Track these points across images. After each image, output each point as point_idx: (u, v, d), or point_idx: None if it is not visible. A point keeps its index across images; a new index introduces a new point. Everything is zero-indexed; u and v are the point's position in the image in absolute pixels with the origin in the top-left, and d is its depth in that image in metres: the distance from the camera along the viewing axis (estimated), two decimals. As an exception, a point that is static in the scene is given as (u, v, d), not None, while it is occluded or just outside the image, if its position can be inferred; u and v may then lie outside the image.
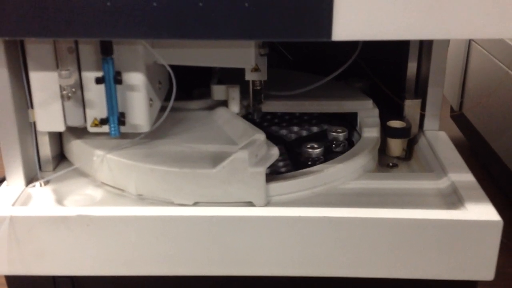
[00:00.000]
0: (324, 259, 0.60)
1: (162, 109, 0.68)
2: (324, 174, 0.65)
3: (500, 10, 0.51)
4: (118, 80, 0.60)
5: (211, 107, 0.76)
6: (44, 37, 0.53)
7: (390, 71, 0.83)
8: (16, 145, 0.63)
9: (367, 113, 0.76)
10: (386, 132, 0.75)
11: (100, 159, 0.65)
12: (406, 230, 0.59)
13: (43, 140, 0.68)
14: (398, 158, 0.76)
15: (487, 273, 0.60)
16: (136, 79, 0.62)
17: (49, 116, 0.63)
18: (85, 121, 0.64)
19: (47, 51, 0.61)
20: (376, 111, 0.77)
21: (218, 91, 0.75)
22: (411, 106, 0.78)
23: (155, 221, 0.59)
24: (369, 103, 0.78)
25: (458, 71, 1.12)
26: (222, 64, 0.67)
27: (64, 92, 0.61)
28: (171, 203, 0.62)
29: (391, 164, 0.74)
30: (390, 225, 0.58)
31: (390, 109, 0.80)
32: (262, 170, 0.60)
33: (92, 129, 0.64)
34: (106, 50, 0.59)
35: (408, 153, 0.77)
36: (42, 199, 0.64)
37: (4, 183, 0.65)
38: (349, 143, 0.74)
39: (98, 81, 0.60)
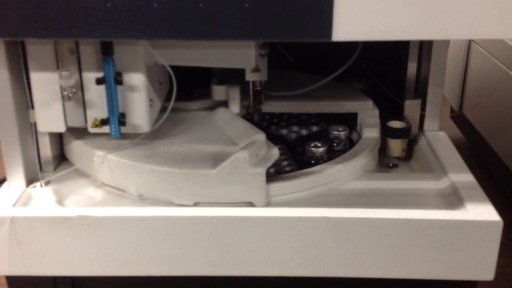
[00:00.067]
0: (324, 259, 0.60)
1: (163, 109, 0.68)
2: (324, 174, 0.65)
3: (500, 10, 0.51)
4: (118, 80, 0.60)
5: (212, 108, 0.76)
6: (44, 37, 0.53)
7: (390, 71, 0.83)
8: (17, 145, 0.63)
9: (367, 114, 0.76)
10: (386, 133, 0.75)
11: (101, 160, 0.65)
12: (406, 230, 0.59)
13: (43, 141, 0.68)
14: (398, 158, 0.76)
15: (487, 273, 0.60)
16: (136, 79, 0.62)
17: (50, 117, 0.63)
18: (86, 121, 0.64)
19: (48, 52, 0.61)
20: (376, 112, 0.77)
21: (218, 91, 0.75)
22: (411, 107, 0.78)
23: (156, 221, 0.59)
24: (369, 103, 0.78)
25: (458, 71, 1.12)
26: (222, 64, 0.67)
27: (65, 93, 0.61)
28: (172, 204, 0.62)
29: (391, 165, 0.74)
30: (390, 225, 0.59)
31: (390, 109, 0.80)
32: (262, 171, 0.61)
33: (92, 130, 0.64)
34: (106, 51, 0.59)
35: (408, 154, 0.77)
36: (43, 200, 0.64)
37: (5, 183, 0.65)
38: (350, 142, 0.74)
39: (99, 81, 0.60)
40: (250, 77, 0.72)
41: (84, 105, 0.63)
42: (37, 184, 0.66)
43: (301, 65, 0.91)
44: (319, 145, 0.69)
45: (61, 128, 0.64)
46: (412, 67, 0.78)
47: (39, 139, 0.67)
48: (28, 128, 0.65)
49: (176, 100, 0.65)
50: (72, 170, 0.68)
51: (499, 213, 0.59)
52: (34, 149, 0.67)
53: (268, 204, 0.62)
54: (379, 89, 0.83)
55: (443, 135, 0.78)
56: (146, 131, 0.65)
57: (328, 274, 0.61)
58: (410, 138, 0.77)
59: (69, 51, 0.61)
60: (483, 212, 0.59)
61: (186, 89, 0.78)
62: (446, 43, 0.76)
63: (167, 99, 0.69)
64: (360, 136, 0.73)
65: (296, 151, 0.73)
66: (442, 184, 0.67)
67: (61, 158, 0.72)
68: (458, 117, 1.14)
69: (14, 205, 0.62)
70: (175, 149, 0.66)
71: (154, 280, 0.62)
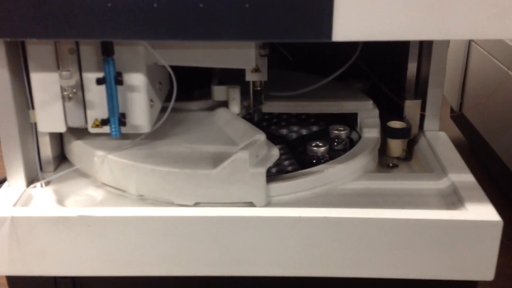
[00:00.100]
0: (324, 259, 0.60)
1: (163, 109, 0.68)
2: (324, 174, 0.65)
3: (500, 10, 0.51)
4: (119, 81, 0.60)
5: (212, 108, 0.76)
6: (45, 38, 0.53)
7: (390, 71, 0.83)
8: (17, 146, 0.63)
9: (367, 114, 0.76)
10: (386, 133, 0.75)
11: (101, 160, 0.65)
12: (406, 230, 0.59)
13: (44, 141, 0.68)
14: (398, 158, 0.76)
15: (487, 273, 0.60)
16: (136, 79, 0.62)
17: (50, 117, 0.64)
18: (86, 121, 0.64)
19: (48, 52, 0.61)
20: (376, 112, 0.77)
21: (219, 91, 0.75)
22: (411, 107, 0.78)
23: (156, 221, 0.59)
24: (369, 103, 0.78)
25: (458, 72, 1.12)
26: (222, 65, 0.67)
27: (65, 93, 0.61)
28: (172, 204, 0.62)
29: (391, 165, 0.74)
30: (390, 225, 0.59)
31: (390, 109, 0.80)
32: (262, 171, 0.61)
33: (93, 130, 0.64)
34: (107, 51, 0.59)
35: (408, 154, 0.77)
36: (43, 200, 0.64)
37: (5, 183, 0.65)
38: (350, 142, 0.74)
39: (99, 82, 0.60)
40: (250, 77, 0.72)
41: (84, 105, 0.63)
42: (38, 184, 0.66)
43: (301, 65, 0.91)
44: (320, 144, 0.69)
45: (62, 128, 0.64)
46: (412, 67, 0.78)
47: (40, 139, 0.67)
48: (29, 128, 0.65)
49: (176, 100, 0.65)
50: (72, 170, 0.68)
51: (499, 213, 0.59)
52: (34, 149, 0.67)
53: (268, 204, 0.62)
54: (379, 89, 0.83)
55: (443, 135, 0.78)
56: (146, 131, 0.65)
57: (328, 274, 0.61)
58: (410, 138, 0.77)
59: (69, 51, 0.61)
60: (483, 212, 0.59)
61: (186, 89, 0.78)
62: (446, 43, 0.76)
63: (167, 99, 0.69)
64: (360, 136, 0.73)
65: (297, 150, 0.73)
66: (442, 184, 0.67)
67: (62, 158, 0.72)
68: (458, 117, 1.14)
69: (14, 205, 0.62)
70: (175, 149, 0.66)
71: (154, 280, 0.62)
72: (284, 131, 0.78)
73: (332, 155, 0.69)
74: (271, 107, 0.79)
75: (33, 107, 0.63)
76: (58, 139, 0.71)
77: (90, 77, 0.61)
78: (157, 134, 0.68)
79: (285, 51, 0.92)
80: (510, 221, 0.68)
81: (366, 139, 0.71)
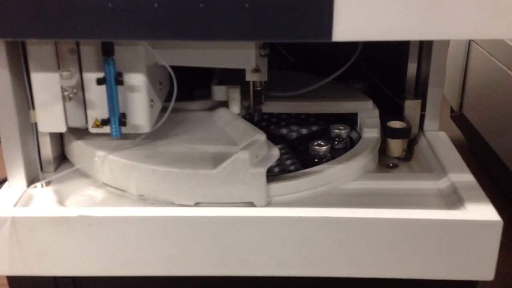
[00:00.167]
0: (324, 259, 0.60)
1: (163, 110, 0.68)
2: (324, 174, 0.65)
3: (500, 10, 0.51)
4: (119, 81, 0.60)
5: (212, 108, 0.76)
6: (45, 38, 0.53)
7: (390, 71, 0.83)
8: (18, 146, 0.64)
9: (367, 114, 0.76)
10: (386, 133, 0.75)
11: (101, 160, 0.65)
12: (406, 230, 0.59)
13: (44, 141, 0.68)
14: (398, 158, 0.76)
15: (487, 273, 0.60)
16: (137, 80, 0.62)
17: (50, 117, 0.64)
18: (86, 122, 0.64)
19: (49, 52, 0.61)
20: (376, 112, 0.77)
21: (219, 92, 0.75)
22: (411, 107, 0.78)
23: (156, 221, 0.59)
24: (369, 103, 0.78)
25: (458, 72, 1.12)
26: (222, 65, 0.68)
27: (65, 93, 0.61)
28: (172, 204, 0.62)
29: (391, 165, 0.74)
30: (390, 225, 0.59)
31: (390, 109, 0.80)
32: (263, 171, 0.61)
33: (93, 130, 0.64)
34: (107, 51, 0.59)
35: (408, 154, 0.77)
36: (44, 200, 0.64)
37: (6, 184, 0.66)
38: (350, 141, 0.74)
39: (99, 82, 0.60)
40: (250, 77, 0.72)
41: (84, 105, 0.63)
42: (38, 184, 0.66)
43: (301, 65, 0.91)
44: (322, 143, 0.69)
45: (62, 128, 0.64)
46: (412, 67, 0.78)
47: (40, 139, 0.67)
48: (29, 129, 0.65)
49: (177, 100, 0.65)
50: (72, 170, 0.68)
51: (499, 213, 0.59)
52: (35, 150, 0.67)
53: (268, 204, 0.62)
54: (379, 89, 0.83)
55: (443, 135, 0.78)
56: (146, 131, 0.65)
57: (328, 274, 0.61)
58: (410, 138, 0.77)
59: (70, 51, 0.61)
60: (483, 212, 0.59)
61: (187, 89, 0.78)
62: (446, 43, 0.76)
63: (168, 99, 0.69)
64: (360, 136, 0.73)
65: (298, 150, 0.73)
66: (442, 184, 0.67)
67: (62, 158, 0.72)
68: (458, 117, 1.14)
69: (15, 205, 0.62)
70: (175, 149, 0.66)
71: (154, 280, 0.62)
72: (284, 131, 0.78)
73: (333, 154, 0.69)
74: (271, 107, 0.79)
75: (33, 107, 0.64)
76: (59, 139, 0.71)
77: (91, 77, 0.62)
78: (157, 134, 0.68)
79: (285, 51, 0.92)
80: (510, 221, 0.68)
81: (366, 139, 0.71)
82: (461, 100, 1.11)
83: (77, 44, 0.61)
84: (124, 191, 0.65)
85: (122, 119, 0.62)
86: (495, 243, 0.59)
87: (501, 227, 0.58)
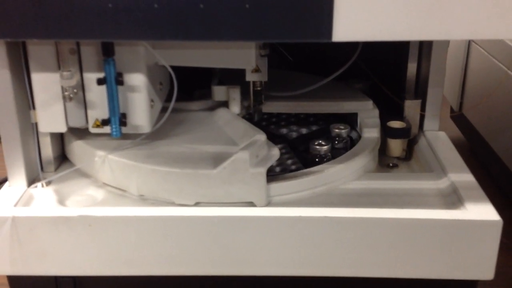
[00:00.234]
0: (324, 259, 0.60)
1: (163, 110, 0.68)
2: (324, 174, 0.65)
3: (500, 11, 0.51)
4: (119, 81, 0.61)
5: (212, 108, 0.76)
6: (46, 38, 0.53)
7: (390, 71, 0.84)
8: (18, 146, 0.64)
9: (367, 114, 0.76)
10: (386, 133, 0.75)
11: (102, 160, 0.65)
12: (406, 230, 0.59)
13: (44, 141, 0.68)
14: (398, 158, 0.76)
15: (487, 272, 0.60)
16: (137, 80, 0.63)
17: (51, 117, 0.64)
18: (87, 122, 0.64)
19: (49, 53, 0.61)
20: (376, 112, 0.77)
21: (219, 92, 0.75)
22: (411, 107, 0.78)
23: (157, 221, 0.59)
24: (369, 103, 0.78)
25: (458, 72, 1.12)
26: (222, 65, 0.68)
27: (66, 93, 0.62)
28: (173, 204, 0.63)
29: (391, 165, 0.74)
30: (390, 225, 0.59)
31: (390, 109, 0.80)
32: (263, 171, 0.61)
33: (93, 130, 0.64)
34: (107, 51, 0.59)
35: (408, 153, 0.77)
36: (44, 200, 0.64)
37: (6, 183, 0.66)
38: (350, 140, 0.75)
39: (100, 82, 0.60)
40: (250, 77, 0.72)
41: (85, 106, 0.63)
42: (39, 184, 0.66)
43: (301, 66, 0.92)
44: (323, 143, 0.69)
45: (62, 129, 0.64)
46: (412, 67, 0.78)
47: (40, 139, 0.67)
48: (29, 129, 0.65)
49: (177, 100, 0.65)
50: (73, 170, 0.68)
51: (499, 213, 0.59)
52: (35, 149, 0.67)
53: (268, 204, 0.62)
54: (379, 89, 0.83)
55: (443, 135, 0.78)
56: (146, 131, 0.65)
57: (328, 274, 0.61)
58: (410, 138, 0.77)
59: (70, 51, 0.61)
60: (483, 211, 0.59)
61: (187, 89, 0.78)
62: (446, 43, 0.76)
63: (168, 99, 0.69)
64: (360, 136, 0.73)
65: (298, 149, 0.73)
66: (442, 184, 0.67)
67: (62, 158, 0.72)
68: (458, 117, 1.14)
69: (15, 205, 0.62)
70: (175, 149, 0.66)
71: (155, 279, 0.62)
72: (284, 131, 0.79)
73: (334, 153, 0.69)
74: (271, 107, 0.79)
75: (34, 107, 0.64)
76: (59, 139, 0.71)
77: (91, 77, 0.62)
78: (157, 134, 0.68)
79: (285, 51, 0.92)
80: (510, 221, 0.68)
81: (366, 139, 0.71)
82: (461, 100, 1.11)
83: (78, 44, 0.61)
84: (124, 191, 0.65)
85: (123, 119, 0.62)
86: (495, 243, 0.59)
87: (501, 227, 0.58)
